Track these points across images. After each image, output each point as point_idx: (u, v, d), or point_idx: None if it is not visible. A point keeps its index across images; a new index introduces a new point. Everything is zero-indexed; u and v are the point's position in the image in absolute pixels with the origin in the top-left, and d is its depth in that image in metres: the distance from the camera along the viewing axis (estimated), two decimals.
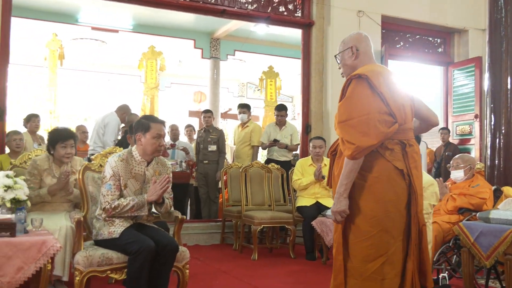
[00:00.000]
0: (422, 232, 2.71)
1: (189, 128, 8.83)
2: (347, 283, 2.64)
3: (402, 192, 2.64)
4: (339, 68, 2.96)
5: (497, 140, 5.50)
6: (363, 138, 2.54)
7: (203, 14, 7.20)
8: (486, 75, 5.71)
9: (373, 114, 2.57)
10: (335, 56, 2.96)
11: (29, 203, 3.53)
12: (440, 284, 4.12)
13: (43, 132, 8.69)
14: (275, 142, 7.05)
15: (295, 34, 8.41)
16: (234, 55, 12.06)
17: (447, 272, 4.23)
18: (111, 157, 3.40)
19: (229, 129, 13.60)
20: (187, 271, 3.49)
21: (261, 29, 10.36)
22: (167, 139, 8.35)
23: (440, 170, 8.23)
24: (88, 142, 7.67)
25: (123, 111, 6.95)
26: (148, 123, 3.38)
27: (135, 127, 3.45)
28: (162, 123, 3.48)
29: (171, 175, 3.51)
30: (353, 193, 2.63)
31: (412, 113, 2.79)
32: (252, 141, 7.37)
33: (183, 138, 8.54)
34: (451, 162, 4.87)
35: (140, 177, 3.44)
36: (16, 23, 6.66)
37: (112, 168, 3.33)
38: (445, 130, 8.19)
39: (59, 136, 4.18)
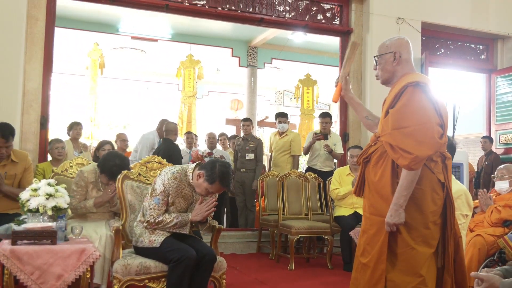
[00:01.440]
0: (458, 244, 2.72)
1: (223, 137, 8.87)
2: None
3: (440, 204, 2.65)
4: (375, 69, 2.92)
5: None
6: (420, 148, 2.53)
7: (240, 23, 7.21)
8: None
9: (430, 124, 2.57)
10: (374, 56, 2.91)
11: (69, 211, 3.59)
12: None
13: (84, 139, 8.88)
14: (324, 136, 6.82)
15: (333, 41, 8.36)
16: (271, 63, 12.07)
17: None
18: (165, 173, 3.37)
19: (266, 137, 13.60)
20: (224, 281, 3.49)
21: (298, 37, 10.35)
22: (204, 147, 8.41)
23: (480, 180, 8.02)
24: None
25: (160, 126, 7.24)
26: (217, 178, 3.27)
27: (206, 165, 3.36)
28: (227, 187, 3.42)
29: (216, 197, 3.49)
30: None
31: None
32: (292, 150, 7.25)
33: (218, 147, 8.57)
34: (495, 172, 4.73)
35: (189, 198, 3.44)
36: (59, 33, 6.81)
37: (164, 184, 3.32)
38: (486, 138, 7.99)
39: None
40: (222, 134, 8.98)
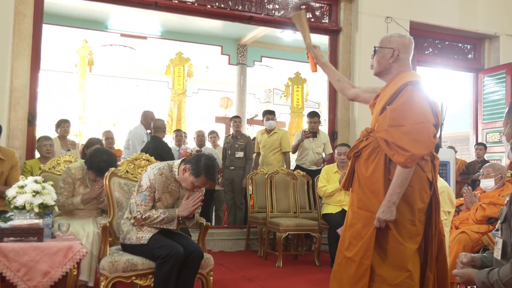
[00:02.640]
0: (442, 242, 2.78)
1: (213, 135, 8.84)
2: None
3: (427, 202, 2.70)
4: (372, 59, 2.94)
5: None
6: (417, 146, 2.57)
7: (230, 20, 7.22)
8: None
9: (428, 123, 2.61)
10: (375, 47, 2.92)
11: (56, 208, 3.58)
12: None
13: (73, 137, 8.84)
14: (313, 134, 6.83)
15: (322, 40, 8.38)
16: (261, 61, 12.09)
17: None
18: (151, 169, 3.39)
19: (255, 134, 13.63)
20: (211, 278, 3.50)
21: (288, 36, 10.37)
22: (193, 145, 8.40)
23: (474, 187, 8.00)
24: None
25: (148, 118, 7.10)
26: (202, 171, 3.29)
27: (191, 159, 3.38)
28: (213, 180, 3.42)
29: (203, 193, 3.51)
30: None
31: None
32: (283, 147, 7.17)
33: (207, 144, 8.56)
34: (481, 170, 4.78)
35: (175, 193, 3.46)
36: (47, 30, 6.78)
37: (150, 180, 3.33)
38: (481, 146, 7.87)
39: None
40: (212, 132, 8.95)
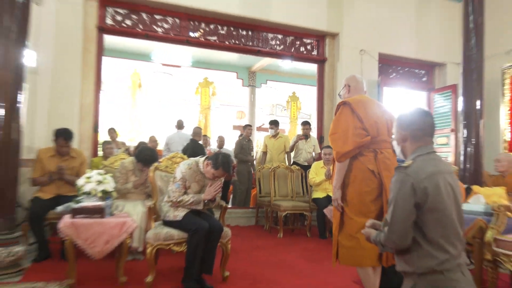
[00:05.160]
0: None
1: (221, 137, 8.76)
2: (338, 251, 2.75)
3: (374, 187, 2.69)
4: (339, 95, 3.10)
5: (468, 149, 5.36)
6: (343, 146, 2.68)
7: (243, 53, 7.23)
8: (460, 99, 5.56)
9: (350, 130, 2.70)
10: (338, 94, 3.10)
11: (114, 193, 3.62)
12: None
13: (127, 141, 8.92)
14: (305, 137, 6.78)
15: (312, 68, 8.39)
16: (266, 83, 12.10)
17: None
18: (182, 164, 3.41)
19: (261, 139, 13.64)
20: (229, 245, 3.52)
21: (286, 64, 10.40)
22: (215, 146, 8.42)
23: None
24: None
25: (178, 125, 7.36)
26: (220, 165, 3.31)
27: (212, 156, 3.38)
28: (228, 172, 3.40)
29: (222, 182, 3.52)
30: (343, 187, 2.75)
31: (388, 129, 2.83)
32: (286, 148, 7.12)
33: (225, 146, 8.55)
34: None
35: (201, 182, 3.47)
36: (107, 61, 6.85)
37: (182, 172, 3.36)
38: None
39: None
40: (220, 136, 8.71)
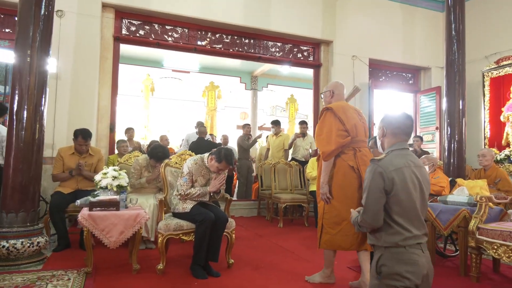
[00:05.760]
0: None
1: (225, 136, 8.73)
2: (322, 238, 2.91)
3: (354, 181, 2.80)
4: (321, 99, 3.20)
5: (452, 145, 5.32)
6: (328, 146, 2.82)
7: (246, 60, 7.19)
8: (444, 99, 5.51)
9: (333, 132, 2.83)
10: (320, 93, 3.17)
11: (129, 188, 3.59)
12: None
13: (140, 140, 8.88)
14: (302, 135, 6.73)
15: (308, 72, 8.33)
16: (267, 87, 12.04)
17: None
18: (189, 160, 3.38)
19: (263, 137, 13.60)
20: (234, 235, 3.49)
21: (285, 69, 10.33)
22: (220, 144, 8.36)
23: None
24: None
25: (197, 125, 7.25)
26: (223, 158, 3.29)
27: (215, 151, 3.36)
28: (231, 165, 3.37)
29: (226, 174, 3.49)
30: (329, 182, 2.87)
31: (364, 131, 2.97)
32: (285, 146, 7.05)
33: (229, 143, 8.51)
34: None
35: (206, 176, 3.44)
36: (122, 67, 6.81)
37: (189, 168, 3.34)
38: (418, 138, 7.02)
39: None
40: (224, 135, 8.63)
